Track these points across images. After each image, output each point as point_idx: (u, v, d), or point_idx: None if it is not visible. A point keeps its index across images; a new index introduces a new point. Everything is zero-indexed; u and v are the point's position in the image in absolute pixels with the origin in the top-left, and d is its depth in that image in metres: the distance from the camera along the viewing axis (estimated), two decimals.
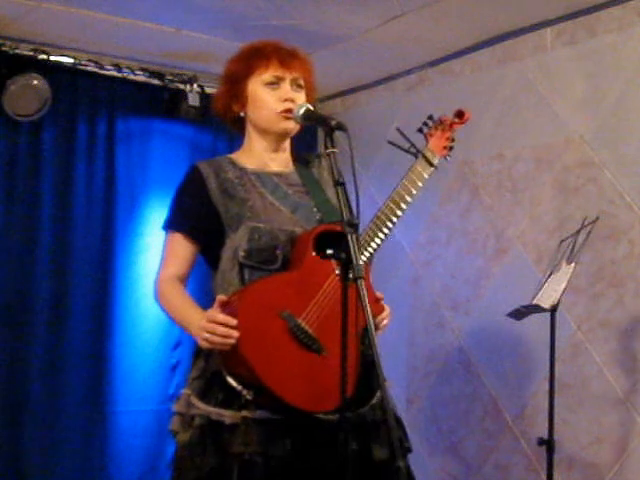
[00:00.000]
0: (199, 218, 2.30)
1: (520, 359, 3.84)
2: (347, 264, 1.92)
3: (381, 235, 2.27)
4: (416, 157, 2.41)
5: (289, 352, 2.11)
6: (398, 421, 2.33)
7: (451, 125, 2.51)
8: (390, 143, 2.41)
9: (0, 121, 4.08)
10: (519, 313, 3.27)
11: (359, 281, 1.88)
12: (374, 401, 2.27)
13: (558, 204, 3.74)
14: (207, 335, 2.08)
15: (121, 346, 4.34)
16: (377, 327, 2.13)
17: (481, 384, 4.01)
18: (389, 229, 2.29)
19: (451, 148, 2.52)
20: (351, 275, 1.90)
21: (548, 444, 3.10)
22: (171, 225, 2.35)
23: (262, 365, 2.07)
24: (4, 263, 4.09)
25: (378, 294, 2.29)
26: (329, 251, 2.04)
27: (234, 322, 2.06)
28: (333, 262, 2.19)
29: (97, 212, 4.37)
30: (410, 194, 2.34)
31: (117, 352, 4.33)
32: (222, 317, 2.07)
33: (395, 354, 4.36)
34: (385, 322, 2.31)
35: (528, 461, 3.76)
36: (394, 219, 2.30)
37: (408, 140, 2.41)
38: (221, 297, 2.12)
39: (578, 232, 3.19)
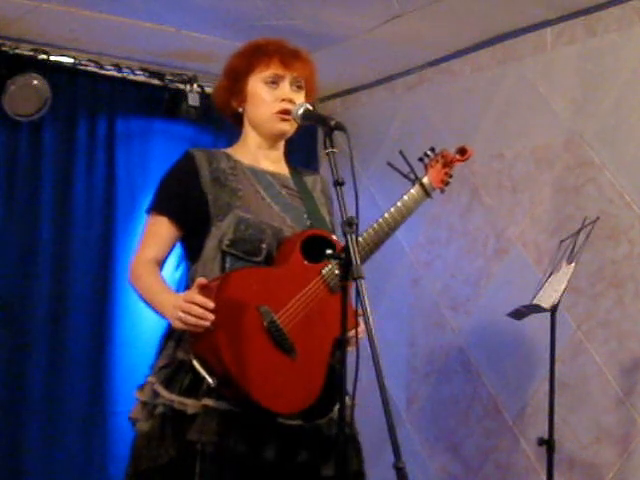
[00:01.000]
0: (187, 203, 2.27)
1: (520, 359, 3.84)
2: (346, 264, 1.92)
3: (364, 248, 2.26)
4: (413, 183, 2.41)
5: (260, 347, 2.09)
6: (356, 442, 2.31)
7: (452, 161, 2.50)
8: (389, 165, 2.41)
9: (0, 121, 4.08)
10: (519, 313, 3.26)
11: (359, 281, 1.87)
12: (332, 415, 2.22)
13: (558, 204, 3.74)
14: (182, 315, 2.05)
15: (121, 346, 4.34)
16: (349, 342, 2.08)
17: (481, 384, 4.01)
18: (377, 247, 2.31)
19: (448, 183, 2.51)
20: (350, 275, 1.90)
21: (548, 444, 3.10)
22: (157, 207, 2.31)
23: (230, 353, 2.04)
24: (4, 262, 4.09)
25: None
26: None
27: (211, 305, 2.04)
28: (320, 265, 2.19)
29: (97, 212, 4.37)
30: (402, 217, 2.35)
31: (117, 352, 4.33)
32: (200, 298, 2.05)
33: (395, 354, 4.36)
34: (360, 336, 2.27)
35: (528, 461, 3.76)
36: (384, 239, 2.31)
37: (409, 165, 2.41)
38: (201, 279, 2.09)
39: (578, 232, 3.19)
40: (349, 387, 1.98)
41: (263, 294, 2.13)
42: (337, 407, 2.21)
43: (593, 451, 3.51)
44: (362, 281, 1.88)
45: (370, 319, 1.85)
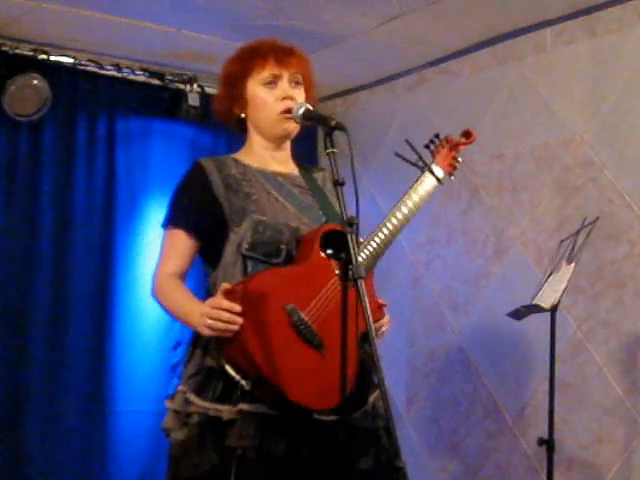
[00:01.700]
0: (202, 214, 2.27)
1: (520, 359, 3.84)
2: (347, 264, 1.92)
3: (384, 241, 2.27)
4: (422, 171, 2.42)
5: (290, 345, 2.09)
6: (391, 433, 2.32)
7: (457, 145, 2.52)
8: (397, 155, 2.41)
9: (0, 121, 4.08)
10: (519, 313, 3.27)
11: (358, 281, 1.87)
12: (366, 408, 2.24)
13: (558, 204, 3.74)
14: (210, 322, 2.07)
15: (121, 346, 4.34)
16: (376, 333, 2.11)
17: (481, 384, 4.01)
18: (394, 236, 2.31)
19: (456, 167, 2.52)
20: (350, 275, 1.90)
21: (548, 444, 3.10)
22: (172, 221, 2.31)
23: (262, 354, 2.05)
24: (4, 263, 4.09)
25: (381, 301, 2.28)
26: (329, 251, 2.03)
27: (238, 308, 2.05)
28: (334, 262, 2.19)
29: (97, 212, 4.38)
30: (416, 205, 2.35)
31: (117, 352, 4.34)
32: (227, 303, 2.06)
33: (395, 354, 4.36)
34: (384, 329, 2.30)
35: (528, 461, 3.76)
36: (399, 228, 2.31)
37: (416, 153, 2.41)
38: (225, 285, 2.10)
39: (578, 232, 3.19)
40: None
41: (288, 293, 2.13)
42: (371, 399, 2.26)
43: (593, 451, 3.51)
44: (361, 281, 1.88)
45: (370, 319, 1.86)
